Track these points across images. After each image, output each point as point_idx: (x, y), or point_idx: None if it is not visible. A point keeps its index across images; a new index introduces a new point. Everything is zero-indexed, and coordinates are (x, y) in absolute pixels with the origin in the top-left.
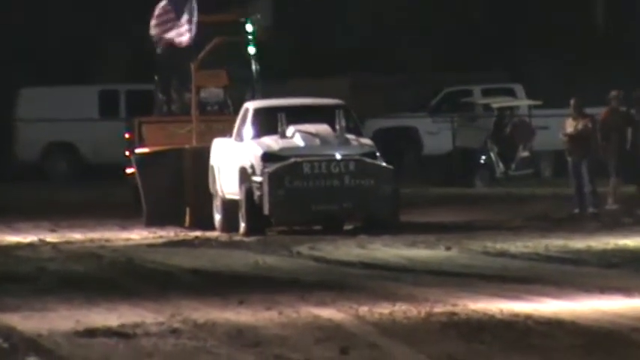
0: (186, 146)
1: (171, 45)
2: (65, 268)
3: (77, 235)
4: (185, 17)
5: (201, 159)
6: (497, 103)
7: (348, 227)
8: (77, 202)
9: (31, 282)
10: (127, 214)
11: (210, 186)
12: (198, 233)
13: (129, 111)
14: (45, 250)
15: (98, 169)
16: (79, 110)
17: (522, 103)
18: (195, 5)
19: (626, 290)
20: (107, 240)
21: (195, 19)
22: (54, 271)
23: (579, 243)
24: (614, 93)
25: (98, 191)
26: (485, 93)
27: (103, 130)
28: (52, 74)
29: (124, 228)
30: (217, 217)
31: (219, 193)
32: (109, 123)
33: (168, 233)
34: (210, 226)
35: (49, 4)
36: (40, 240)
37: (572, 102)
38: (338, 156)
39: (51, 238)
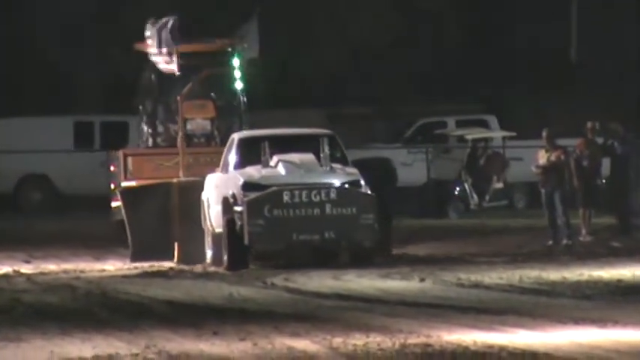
0: (174, 180)
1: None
2: (40, 299)
3: (51, 266)
4: (164, 49)
5: (188, 192)
6: (471, 134)
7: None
8: (51, 233)
9: (6, 313)
10: (101, 245)
11: (202, 222)
12: (172, 265)
13: (104, 142)
14: (19, 281)
15: (72, 200)
16: (53, 141)
17: (496, 134)
18: (168, 36)
19: (601, 322)
20: (81, 271)
21: (166, 50)
22: (28, 302)
23: (553, 274)
24: (589, 124)
25: (72, 222)
26: (460, 124)
27: (77, 162)
28: (25, 105)
29: (98, 259)
30: (209, 254)
31: (209, 229)
32: (83, 154)
33: (143, 264)
34: (201, 262)
35: (24, 33)
36: (15, 271)
37: (544, 133)
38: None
39: (25, 269)
